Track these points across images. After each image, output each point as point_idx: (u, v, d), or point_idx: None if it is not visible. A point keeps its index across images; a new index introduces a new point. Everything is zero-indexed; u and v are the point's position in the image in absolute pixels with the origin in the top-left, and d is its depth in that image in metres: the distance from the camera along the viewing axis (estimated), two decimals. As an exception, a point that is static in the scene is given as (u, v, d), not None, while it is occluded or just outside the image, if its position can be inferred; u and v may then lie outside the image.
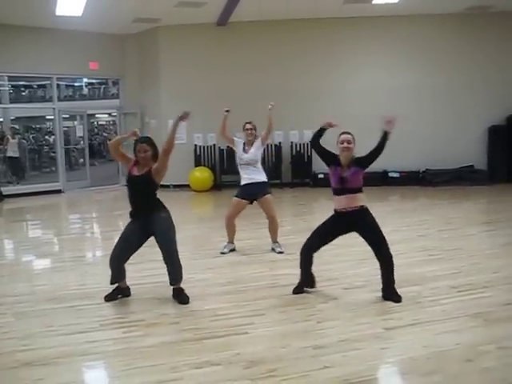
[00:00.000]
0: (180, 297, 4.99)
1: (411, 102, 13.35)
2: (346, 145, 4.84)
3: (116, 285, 5.11)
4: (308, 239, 5.13)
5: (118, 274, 5.04)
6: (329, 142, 5.02)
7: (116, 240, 5.07)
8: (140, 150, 4.88)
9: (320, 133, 5.07)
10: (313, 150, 5.21)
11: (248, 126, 6.73)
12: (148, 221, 4.89)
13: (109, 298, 5.07)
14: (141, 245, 5.03)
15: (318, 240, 5.07)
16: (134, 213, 4.97)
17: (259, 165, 6.75)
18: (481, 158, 13.51)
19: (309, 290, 5.17)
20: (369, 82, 13.39)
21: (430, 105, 13.44)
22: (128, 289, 5.20)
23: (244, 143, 6.75)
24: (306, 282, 5.17)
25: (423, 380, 3.41)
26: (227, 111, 6.83)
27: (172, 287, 5.04)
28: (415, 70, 13.39)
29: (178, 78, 13.65)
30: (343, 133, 4.93)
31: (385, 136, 4.81)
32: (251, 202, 6.73)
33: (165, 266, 5.01)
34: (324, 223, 5.07)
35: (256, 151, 6.68)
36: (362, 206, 4.89)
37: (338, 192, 4.91)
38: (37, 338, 4.20)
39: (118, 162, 5.24)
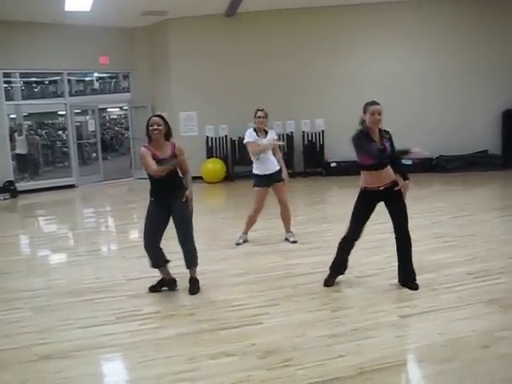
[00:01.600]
0: (191, 286, 5.02)
1: (423, 88, 13.24)
2: (377, 116, 4.64)
3: (160, 277, 5.12)
4: (348, 231, 4.98)
5: (156, 258, 5.01)
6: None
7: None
8: (153, 123, 4.79)
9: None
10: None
11: (260, 113, 6.63)
12: (169, 200, 4.89)
13: (153, 289, 5.10)
14: (167, 222, 4.98)
15: (358, 228, 4.94)
16: (156, 191, 4.94)
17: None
18: (495, 143, 13.37)
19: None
20: (379, 69, 13.27)
21: (443, 90, 13.29)
22: (174, 281, 5.16)
23: (255, 129, 6.67)
24: (339, 270, 5.10)
25: (439, 367, 3.41)
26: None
27: (189, 276, 5.06)
28: (425, 56, 13.22)
29: (188, 70, 13.63)
30: (373, 103, 4.71)
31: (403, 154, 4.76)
32: (269, 186, 6.72)
33: (179, 257, 5.04)
34: (357, 208, 4.90)
35: (270, 137, 6.65)
36: (395, 180, 4.80)
37: (376, 167, 4.71)
38: (54, 332, 4.25)
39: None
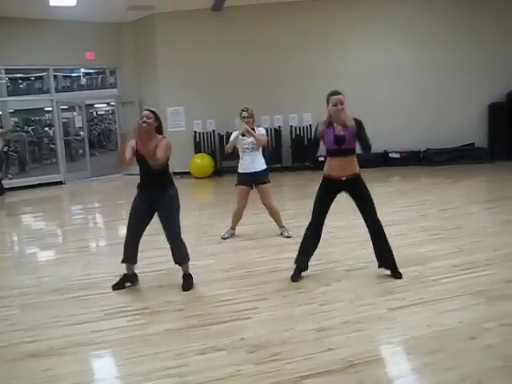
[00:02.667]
0: (184, 283, 5.02)
1: (410, 81, 13.29)
2: (339, 106, 4.68)
3: (124, 272, 5.13)
4: (312, 219, 5.10)
5: (130, 253, 5.01)
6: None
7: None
8: (143, 116, 4.76)
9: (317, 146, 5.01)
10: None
11: (244, 113, 6.58)
12: (154, 195, 4.86)
13: (116, 286, 5.10)
14: (149, 218, 4.98)
15: (320, 215, 5.03)
16: (142, 186, 4.93)
17: (260, 150, 6.73)
18: (481, 136, 13.46)
19: (307, 273, 5.16)
20: (367, 62, 13.28)
21: (430, 84, 13.35)
22: (135, 276, 5.21)
23: (241, 133, 6.65)
24: (305, 262, 5.13)
25: (427, 359, 3.44)
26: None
27: (182, 273, 5.06)
28: (414, 49, 13.28)
29: (175, 65, 13.59)
30: (334, 93, 4.76)
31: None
32: (252, 187, 6.74)
33: (167, 253, 5.04)
34: (318, 197, 5.05)
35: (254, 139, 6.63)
36: (357, 173, 4.87)
37: (334, 154, 4.82)
38: (43, 330, 4.24)
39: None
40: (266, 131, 7.14)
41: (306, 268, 5.13)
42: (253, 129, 6.57)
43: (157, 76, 13.85)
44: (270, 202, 6.74)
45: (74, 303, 4.81)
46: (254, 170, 6.62)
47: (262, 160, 6.71)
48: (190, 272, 5.10)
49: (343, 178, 4.86)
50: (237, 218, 6.88)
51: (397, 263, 4.98)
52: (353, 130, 4.74)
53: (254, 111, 6.62)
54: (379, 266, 5.00)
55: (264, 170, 6.70)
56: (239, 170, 6.73)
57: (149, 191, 4.89)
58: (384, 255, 4.96)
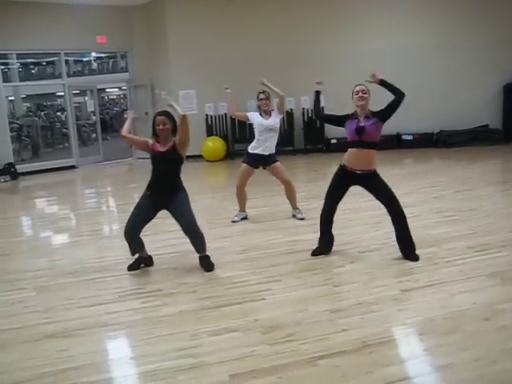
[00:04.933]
0: (205, 264, 5.06)
1: (423, 63, 13.12)
2: (361, 94, 4.79)
3: (137, 255, 5.18)
4: (324, 205, 5.18)
5: (135, 245, 5.09)
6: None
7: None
8: (159, 123, 4.82)
9: (317, 98, 5.15)
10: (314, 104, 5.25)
11: (262, 95, 6.62)
12: (165, 200, 4.89)
13: (131, 267, 5.15)
14: (153, 217, 5.05)
15: (332, 202, 5.10)
16: (154, 188, 4.94)
17: (278, 133, 6.71)
18: (496, 117, 13.28)
19: (325, 254, 5.21)
20: (380, 44, 13.13)
21: (443, 64, 13.17)
22: (150, 258, 5.26)
23: (260, 113, 6.67)
24: (326, 246, 5.23)
25: (441, 340, 3.43)
26: (226, 88, 6.77)
27: (198, 255, 5.10)
28: (426, 29, 13.09)
29: (187, 48, 13.51)
30: (357, 85, 4.89)
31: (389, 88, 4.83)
32: (257, 167, 6.74)
33: (180, 235, 5.05)
34: (332, 184, 5.09)
35: (276, 118, 6.62)
36: (372, 170, 4.89)
37: (354, 144, 4.87)
38: (58, 311, 4.28)
39: (139, 149, 5.21)
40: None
41: (330, 246, 5.27)
42: (270, 111, 6.61)
43: (168, 59, 13.79)
44: (287, 177, 6.75)
45: (88, 285, 4.85)
46: (266, 153, 6.60)
47: (273, 147, 6.68)
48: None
49: (358, 172, 4.86)
50: (240, 198, 6.87)
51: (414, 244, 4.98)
52: (374, 118, 4.78)
53: (266, 94, 6.65)
54: (403, 256, 4.99)
55: (275, 153, 6.71)
56: (250, 150, 6.71)
57: (161, 195, 4.91)
58: (404, 246, 4.97)
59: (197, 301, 4.33)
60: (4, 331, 3.96)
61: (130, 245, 5.08)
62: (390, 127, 4.85)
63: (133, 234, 5.02)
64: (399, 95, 4.79)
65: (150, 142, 4.95)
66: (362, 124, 4.80)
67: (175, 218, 4.98)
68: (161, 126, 4.82)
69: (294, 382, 3.08)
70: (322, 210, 5.20)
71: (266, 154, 6.61)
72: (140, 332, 3.81)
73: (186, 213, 4.93)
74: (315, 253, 5.22)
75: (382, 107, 4.84)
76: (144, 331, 3.81)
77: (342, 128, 4.98)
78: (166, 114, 4.89)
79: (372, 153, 4.85)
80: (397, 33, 13.19)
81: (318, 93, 5.24)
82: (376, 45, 13.17)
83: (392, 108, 4.80)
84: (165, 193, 4.90)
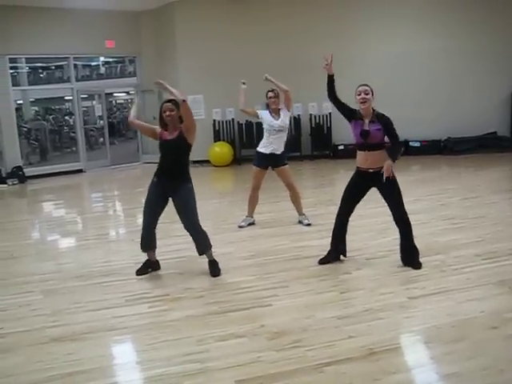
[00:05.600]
0: (212, 269, 5.06)
1: (431, 69, 13.10)
2: (363, 96, 4.77)
3: (146, 258, 5.20)
4: (339, 208, 5.16)
5: (148, 240, 5.09)
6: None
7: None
8: (165, 109, 4.86)
9: (329, 81, 5.03)
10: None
11: (270, 94, 6.66)
12: (171, 186, 4.90)
13: (139, 272, 5.16)
14: (165, 206, 5.03)
15: (346, 204, 5.08)
16: (161, 173, 4.96)
17: (286, 132, 6.71)
18: (504, 125, 13.22)
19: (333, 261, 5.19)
20: (387, 50, 13.12)
21: (452, 71, 13.14)
22: (157, 263, 5.28)
23: (270, 112, 6.68)
24: (334, 255, 5.20)
25: (448, 348, 3.42)
26: (244, 83, 6.80)
27: (208, 260, 5.09)
28: (435, 35, 13.06)
29: (195, 54, 13.55)
30: (360, 85, 4.87)
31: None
32: (267, 168, 6.74)
33: (187, 240, 5.06)
34: (348, 187, 5.07)
35: (285, 118, 6.64)
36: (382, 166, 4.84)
37: (360, 147, 4.89)
38: (65, 315, 4.29)
39: (147, 136, 5.27)
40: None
41: (339, 255, 5.23)
42: (279, 109, 6.62)
43: (176, 64, 13.84)
44: (292, 182, 6.75)
45: (95, 289, 4.87)
46: (275, 152, 6.61)
47: (282, 146, 6.69)
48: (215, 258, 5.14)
49: (370, 170, 4.87)
50: (252, 201, 6.86)
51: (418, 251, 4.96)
52: (379, 124, 4.77)
53: (275, 92, 6.68)
54: (403, 263, 4.98)
55: (283, 153, 6.70)
56: (259, 149, 6.71)
57: (168, 180, 4.92)
58: (406, 255, 4.95)
59: (203, 306, 4.33)
60: (11, 334, 3.97)
61: (142, 239, 5.09)
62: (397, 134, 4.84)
63: (147, 227, 5.03)
64: (392, 138, 4.85)
65: (158, 130, 4.99)
66: (366, 128, 4.79)
67: (177, 213, 4.98)
68: (167, 112, 4.85)
69: (301, 389, 3.07)
70: (337, 214, 5.16)
71: (276, 152, 6.61)
72: (147, 336, 3.82)
73: (188, 212, 4.92)
74: (322, 261, 5.19)
75: (388, 123, 4.80)
76: (151, 336, 3.82)
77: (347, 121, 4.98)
78: (173, 101, 4.91)
79: (379, 153, 4.84)
80: (404, 39, 13.18)
81: (330, 76, 5.07)
82: (382, 50, 13.17)
83: (389, 136, 4.81)
84: (171, 180, 4.90)
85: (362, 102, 4.79)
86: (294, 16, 13.26)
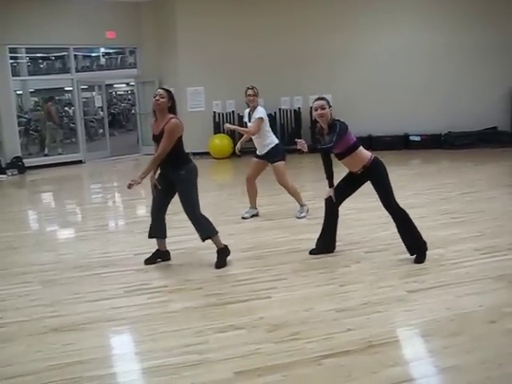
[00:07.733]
0: (218, 259, 5.03)
1: (432, 64, 13.07)
2: (319, 111, 4.75)
3: (156, 248, 5.18)
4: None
5: (156, 227, 5.07)
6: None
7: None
8: (156, 94, 4.77)
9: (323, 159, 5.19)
10: (332, 115, 5.13)
11: (249, 91, 6.50)
12: (170, 176, 4.90)
13: (148, 261, 5.15)
14: (171, 195, 5.01)
15: (337, 193, 5.10)
16: (160, 164, 4.94)
17: (263, 132, 6.55)
18: (504, 120, 13.21)
19: (330, 253, 5.20)
20: (388, 44, 13.08)
21: (452, 66, 13.12)
22: (168, 253, 5.25)
23: (249, 112, 6.63)
24: (324, 245, 5.21)
25: (446, 341, 3.42)
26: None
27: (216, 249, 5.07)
28: (436, 29, 13.03)
29: (196, 45, 13.51)
30: (316, 99, 4.83)
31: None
32: (260, 159, 6.72)
33: (187, 232, 5.06)
34: (340, 182, 5.13)
35: (256, 117, 6.48)
36: (366, 165, 4.84)
37: (337, 158, 4.96)
38: (64, 305, 4.29)
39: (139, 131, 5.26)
40: (286, 112, 7.10)
41: (327, 249, 5.22)
42: (254, 107, 6.50)
43: (177, 56, 13.80)
44: (283, 180, 6.67)
45: (94, 280, 4.87)
46: (262, 152, 6.63)
47: (268, 140, 6.57)
48: (209, 251, 5.12)
49: (358, 172, 4.90)
50: (249, 192, 6.84)
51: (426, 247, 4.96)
52: (332, 135, 4.70)
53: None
54: (410, 254, 4.96)
55: (272, 149, 6.57)
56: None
57: (164, 170, 4.93)
58: (410, 243, 4.92)
59: (202, 298, 4.33)
60: (10, 324, 3.98)
61: (151, 226, 5.08)
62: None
63: (154, 214, 5.04)
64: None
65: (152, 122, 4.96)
66: (324, 146, 4.78)
67: (179, 199, 4.97)
68: (157, 97, 4.74)
69: (299, 381, 3.07)
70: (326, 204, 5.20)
71: (265, 152, 6.58)
72: (145, 328, 3.82)
73: (186, 196, 4.87)
74: (312, 252, 5.23)
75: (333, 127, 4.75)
76: (149, 327, 3.82)
77: None
78: (167, 90, 4.85)
79: (353, 156, 4.84)
80: (406, 33, 13.14)
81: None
82: (384, 44, 13.13)
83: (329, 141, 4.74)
84: (167, 170, 4.89)
85: (320, 117, 4.78)
86: (295, 9, 13.22)
